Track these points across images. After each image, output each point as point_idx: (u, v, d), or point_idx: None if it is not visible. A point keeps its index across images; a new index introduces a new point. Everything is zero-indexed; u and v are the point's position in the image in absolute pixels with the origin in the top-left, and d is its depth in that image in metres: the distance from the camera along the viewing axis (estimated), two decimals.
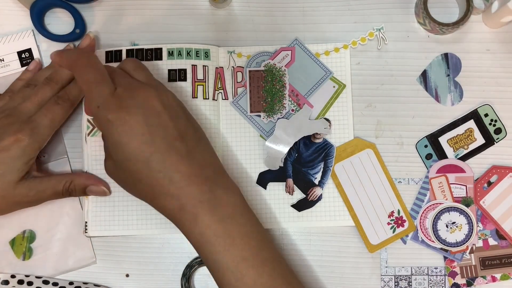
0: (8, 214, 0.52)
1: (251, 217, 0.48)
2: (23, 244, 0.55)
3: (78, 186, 0.52)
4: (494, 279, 0.55)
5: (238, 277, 0.44)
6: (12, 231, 0.55)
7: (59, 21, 0.58)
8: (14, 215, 0.53)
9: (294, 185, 0.56)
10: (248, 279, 0.44)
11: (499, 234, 0.56)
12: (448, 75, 0.57)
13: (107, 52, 0.56)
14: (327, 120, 0.56)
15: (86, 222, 0.54)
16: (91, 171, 0.54)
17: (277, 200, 0.56)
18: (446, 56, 0.57)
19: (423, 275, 0.56)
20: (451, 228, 0.55)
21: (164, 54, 0.55)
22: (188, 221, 0.45)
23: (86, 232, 0.54)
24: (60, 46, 0.57)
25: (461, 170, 0.56)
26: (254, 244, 0.46)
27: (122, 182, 0.49)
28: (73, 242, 0.55)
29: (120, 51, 0.56)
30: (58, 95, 0.51)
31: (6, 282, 0.53)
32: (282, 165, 0.56)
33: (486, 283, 0.55)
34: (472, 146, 0.57)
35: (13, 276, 0.54)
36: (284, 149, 0.56)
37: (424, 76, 0.57)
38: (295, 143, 0.56)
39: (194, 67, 0.55)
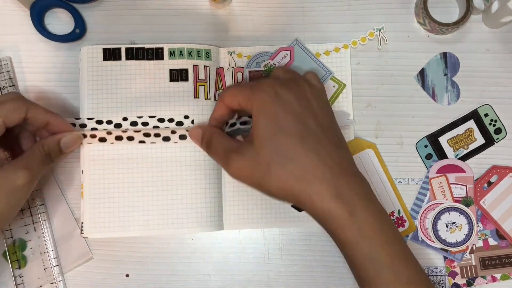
0: None
1: (385, 211, 0.47)
2: (17, 253, 0.55)
3: (52, 144, 0.50)
4: (494, 279, 0.55)
5: (396, 273, 0.44)
6: (1, 244, 0.55)
7: (59, 21, 0.58)
8: None
9: None
10: (402, 275, 0.44)
11: (499, 234, 0.56)
12: (446, 74, 0.57)
13: (104, 50, 0.55)
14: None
15: (82, 223, 0.53)
16: (88, 171, 0.54)
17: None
18: (444, 55, 0.57)
19: None
20: (451, 228, 0.55)
21: (166, 54, 0.55)
22: (347, 212, 0.44)
23: (82, 233, 0.53)
24: (60, 46, 0.57)
25: (461, 170, 0.56)
26: (400, 239, 0.46)
27: (264, 165, 0.45)
28: (65, 243, 0.55)
29: (119, 48, 0.55)
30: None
31: None
32: None
33: (486, 283, 0.55)
34: (472, 146, 0.57)
35: None
36: None
37: (421, 74, 0.57)
38: None
39: (195, 67, 0.55)
